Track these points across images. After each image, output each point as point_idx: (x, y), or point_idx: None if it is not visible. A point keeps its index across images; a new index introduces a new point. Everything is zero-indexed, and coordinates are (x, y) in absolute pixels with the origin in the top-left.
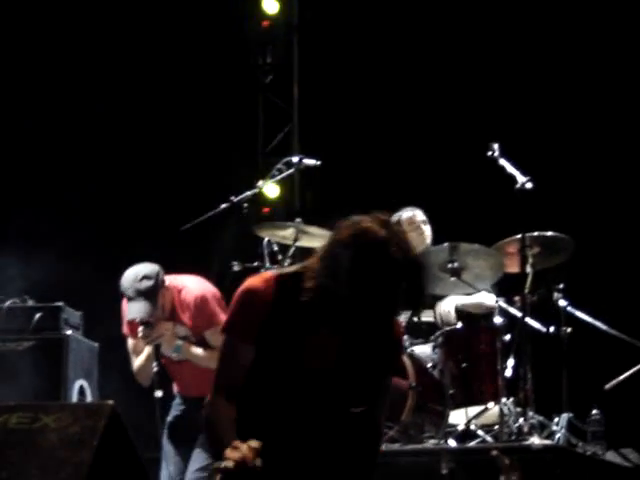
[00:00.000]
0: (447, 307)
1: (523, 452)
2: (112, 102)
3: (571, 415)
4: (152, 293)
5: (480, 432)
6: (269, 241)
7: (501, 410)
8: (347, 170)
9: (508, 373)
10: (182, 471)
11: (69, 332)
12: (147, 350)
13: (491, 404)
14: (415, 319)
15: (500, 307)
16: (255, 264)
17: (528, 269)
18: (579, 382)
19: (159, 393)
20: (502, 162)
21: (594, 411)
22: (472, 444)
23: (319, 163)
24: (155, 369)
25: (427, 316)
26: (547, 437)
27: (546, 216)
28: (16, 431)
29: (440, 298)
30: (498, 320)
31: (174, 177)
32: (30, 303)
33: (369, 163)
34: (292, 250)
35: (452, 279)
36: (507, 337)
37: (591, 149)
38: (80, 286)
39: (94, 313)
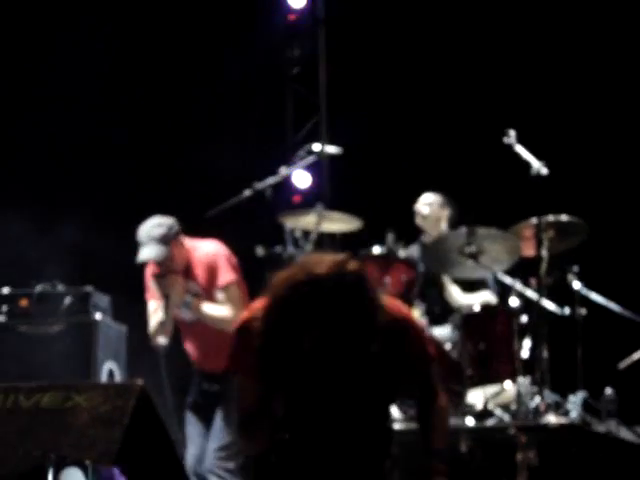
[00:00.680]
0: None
1: (539, 430)
2: (143, 92)
3: (586, 394)
4: (164, 239)
5: (497, 411)
6: (292, 228)
7: (518, 389)
8: (373, 158)
9: (524, 354)
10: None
11: (98, 316)
12: (160, 306)
13: (508, 384)
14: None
15: (516, 290)
16: (278, 249)
17: (543, 252)
18: (593, 362)
19: (162, 339)
20: (518, 148)
21: (608, 390)
22: (490, 423)
23: (341, 151)
24: (163, 318)
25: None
26: (562, 415)
27: (561, 201)
28: (48, 410)
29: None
30: (515, 302)
31: (205, 167)
32: (60, 288)
33: (393, 151)
34: (314, 235)
35: (470, 262)
36: (523, 319)
37: (605, 133)
38: (109, 270)
39: (122, 297)
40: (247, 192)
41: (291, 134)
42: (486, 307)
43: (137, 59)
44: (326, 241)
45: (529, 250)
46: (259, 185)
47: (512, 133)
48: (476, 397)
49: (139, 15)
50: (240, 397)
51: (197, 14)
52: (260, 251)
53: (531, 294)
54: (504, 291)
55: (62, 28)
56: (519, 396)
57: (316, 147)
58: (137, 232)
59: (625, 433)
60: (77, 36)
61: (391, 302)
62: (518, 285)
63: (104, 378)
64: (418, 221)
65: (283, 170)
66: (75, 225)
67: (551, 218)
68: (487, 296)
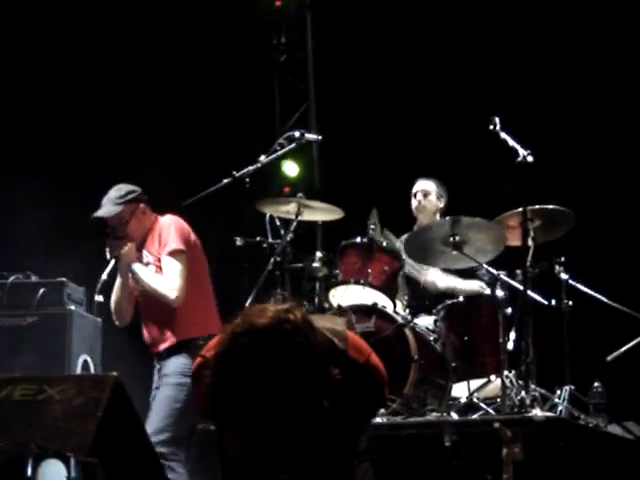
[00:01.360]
0: (432, 277)
1: (525, 424)
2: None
3: (573, 387)
4: (118, 200)
5: (482, 405)
6: (271, 216)
7: (503, 383)
8: (361, 146)
9: (510, 346)
10: None
11: (72, 307)
12: (117, 282)
13: (493, 377)
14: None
15: (502, 280)
16: (257, 239)
17: (530, 242)
18: (581, 355)
19: (99, 297)
20: (503, 135)
21: (596, 383)
22: (474, 417)
23: (320, 138)
24: (104, 277)
25: None
26: (549, 409)
27: (548, 189)
28: (20, 403)
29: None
30: (500, 293)
31: (191, 156)
32: (33, 279)
33: (381, 138)
34: (294, 225)
35: (454, 252)
36: (509, 310)
37: (591, 123)
38: (83, 262)
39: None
40: (225, 180)
41: (279, 123)
42: (470, 298)
43: (120, 42)
44: (307, 231)
45: (515, 240)
46: (238, 173)
47: (497, 120)
48: (460, 390)
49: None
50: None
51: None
52: (239, 241)
53: (517, 285)
54: (490, 282)
55: None
56: (504, 389)
57: (296, 134)
58: None
59: (613, 427)
60: None
61: (352, 344)
62: (503, 276)
63: (79, 370)
64: (415, 209)
65: (262, 158)
66: (49, 216)
67: (537, 207)
68: (478, 284)
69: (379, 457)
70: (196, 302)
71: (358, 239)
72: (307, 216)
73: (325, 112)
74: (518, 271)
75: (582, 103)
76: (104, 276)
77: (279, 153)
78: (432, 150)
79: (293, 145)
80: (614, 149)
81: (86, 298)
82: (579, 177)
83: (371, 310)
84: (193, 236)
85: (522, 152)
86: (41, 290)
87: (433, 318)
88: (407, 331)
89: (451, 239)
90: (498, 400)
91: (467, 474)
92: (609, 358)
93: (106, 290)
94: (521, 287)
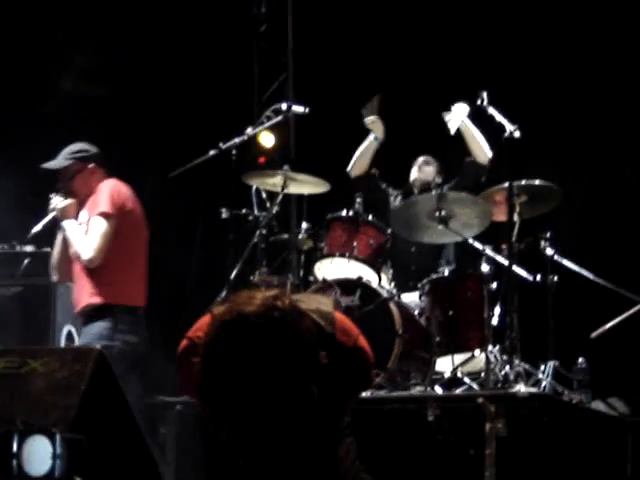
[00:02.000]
0: None
1: (509, 400)
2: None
3: (557, 363)
4: (67, 155)
5: (466, 379)
6: (257, 188)
7: (487, 358)
8: (341, 118)
9: (495, 321)
10: None
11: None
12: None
13: (477, 352)
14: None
15: (487, 255)
16: (243, 211)
17: (515, 218)
18: (565, 330)
19: (54, 276)
20: (491, 110)
21: (580, 359)
22: (458, 391)
23: (307, 110)
24: (37, 228)
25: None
26: (533, 385)
27: (534, 165)
28: (4, 376)
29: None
30: (485, 268)
31: (169, 125)
32: (18, 249)
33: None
34: (280, 197)
35: (439, 227)
36: (494, 285)
37: (578, 97)
38: None
39: None
40: (212, 152)
41: (258, 93)
42: (455, 272)
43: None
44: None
45: (501, 215)
46: (224, 145)
47: (484, 94)
48: (445, 365)
49: None
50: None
51: None
52: (225, 213)
53: (502, 260)
54: (474, 256)
55: None
56: (488, 364)
57: (283, 106)
58: None
59: (597, 404)
60: None
61: (340, 327)
62: (489, 250)
63: (63, 341)
64: (413, 177)
65: (249, 130)
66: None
67: (523, 182)
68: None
69: (362, 431)
70: (122, 270)
71: (344, 212)
72: (293, 189)
73: (303, 82)
74: (503, 246)
75: (570, 78)
76: (37, 227)
77: (266, 125)
78: (414, 122)
79: (280, 117)
80: (601, 124)
81: None
82: (566, 152)
83: (356, 284)
84: (130, 204)
85: (509, 127)
86: (25, 260)
87: (417, 293)
88: (392, 305)
89: (437, 213)
90: (482, 375)
91: (450, 449)
92: (593, 335)
93: (38, 242)
94: (506, 262)
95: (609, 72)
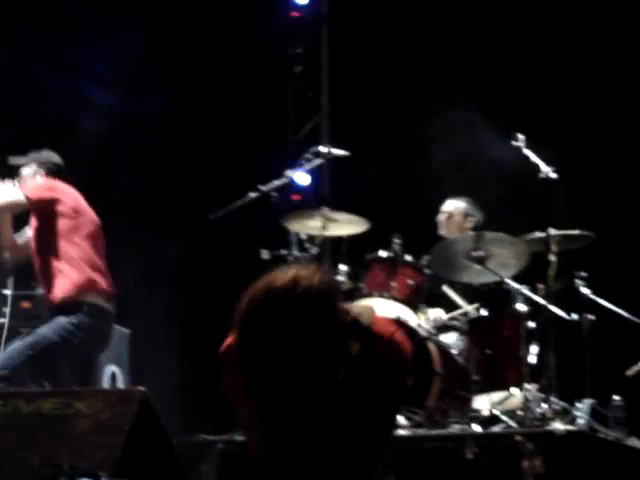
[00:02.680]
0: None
1: (546, 437)
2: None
3: (593, 401)
4: (35, 156)
5: (504, 417)
6: (297, 231)
7: (524, 396)
8: (375, 159)
9: (532, 359)
10: None
11: None
12: None
13: (515, 390)
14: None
15: (524, 294)
16: (283, 252)
17: (551, 258)
18: (601, 368)
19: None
20: (526, 152)
21: (616, 397)
22: (496, 429)
23: (348, 153)
24: None
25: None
26: (570, 422)
27: (569, 205)
28: (49, 417)
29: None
30: (522, 307)
31: (205, 166)
32: None
33: (396, 152)
34: (320, 239)
35: (477, 267)
36: (531, 324)
37: (616, 139)
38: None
39: (125, 300)
40: (252, 194)
41: (292, 133)
42: (493, 312)
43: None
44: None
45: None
46: (264, 187)
47: (521, 137)
48: (482, 403)
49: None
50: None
51: (199, 11)
52: (265, 254)
53: (538, 299)
54: (511, 296)
55: None
56: (526, 402)
57: (322, 149)
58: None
59: (633, 441)
60: None
61: (378, 320)
62: (525, 290)
63: (106, 382)
64: (441, 221)
65: (288, 172)
66: None
67: (559, 234)
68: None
69: (402, 469)
70: (60, 261)
71: (382, 253)
72: (333, 230)
73: (338, 123)
74: (540, 285)
75: (605, 121)
76: None
77: (306, 167)
78: (450, 166)
79: (320, 160)
80: (635, 165)
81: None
82: (601, 193)
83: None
84: (59, 193)
85: (545, 168)
86: None
87: (456, 332)
88: (430, 344)
89: (474, 253)
90: (519, 413)
91: None
92: (629, 372)
93: None
94: (543, 301)
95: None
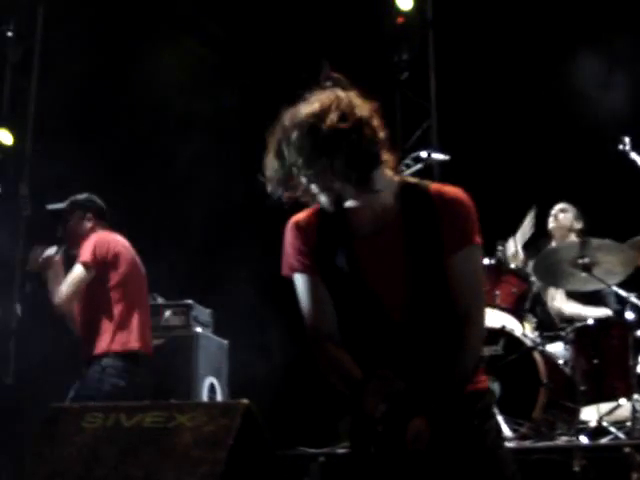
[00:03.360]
0: (558, 304)
1: None
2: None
3: None
4: (71, 200)
5: (612, 429)
6: None
7: (633, 406)
8: (485, 165)
9: None
10: None
11: (199, 329)
12: None
13: (623, 400)
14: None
15: (632, 303)
16: None
17: None
18: None
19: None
20: (633, 156)
21: None
22: (604, 441)
23: (448, 158)
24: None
25: None
26: None
27: None
28: (151, 430)
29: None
30: (630, 316)
31: None
32: (160, 301)
33: (505, 157)
34: None
35: (583, 274)
36: (639, 333)
37: None
38: (210, 285)
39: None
40: None
41: (400, 141)
42: (600, 320)
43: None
44: None
45: None
46: None
47: (627, 140)
48: (590, 414)
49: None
50: (303, 300)
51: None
52: None
53: None
54: (620, 304)
55: None
56: (634, 413)
57: (423, 154)
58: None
59: None
60: None
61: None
62: (633, 298)
63: (205, 394)
64: (551, 227)
65: None
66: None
67: None
68: (604, 312)
69: None
70: (111, 319)
71: (486, 261)
72: None
73: (447, 129)
74: None
75: None
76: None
77: (406, 173)
78: (558, 172)
79: (420, 165)
80: None
81: (212, 320)
82: None
83: (499, 333)
84: (115, 255)
85: None
86: (167, 312)
87: (562, 342)
88: (536, 354)
89: (580, 261)
90: (628, 424)
91: None
92: None
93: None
94: None
95: None
